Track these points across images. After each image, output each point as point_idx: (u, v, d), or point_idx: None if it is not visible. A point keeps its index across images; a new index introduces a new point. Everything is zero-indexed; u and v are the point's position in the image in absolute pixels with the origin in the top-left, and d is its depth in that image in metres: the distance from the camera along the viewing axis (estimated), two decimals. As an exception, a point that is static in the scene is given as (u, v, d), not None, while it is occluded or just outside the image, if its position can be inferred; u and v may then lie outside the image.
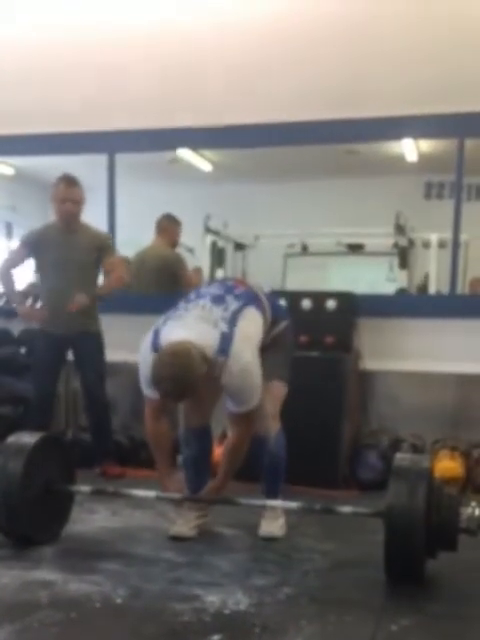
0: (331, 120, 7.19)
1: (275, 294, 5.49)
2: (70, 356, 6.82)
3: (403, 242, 11.98)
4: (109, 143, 7.81)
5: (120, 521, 5.36)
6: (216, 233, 12.17)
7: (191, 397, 4.66)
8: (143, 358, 4.71)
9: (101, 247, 6.64)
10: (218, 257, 12.29)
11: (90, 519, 5.34)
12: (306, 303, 6.82)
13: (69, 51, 7.50)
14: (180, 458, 5.30)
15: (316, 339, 6.67)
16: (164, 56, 7.36)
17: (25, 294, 7.97)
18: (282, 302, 5.85)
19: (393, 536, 4.04)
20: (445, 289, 8.01)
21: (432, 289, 11.25)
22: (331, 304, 6.80)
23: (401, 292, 11.14)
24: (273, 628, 3.60)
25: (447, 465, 6.29)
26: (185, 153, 10.78)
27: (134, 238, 8.56)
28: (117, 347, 6.86)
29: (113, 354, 6.83)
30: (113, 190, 7.96)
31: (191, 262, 10.10)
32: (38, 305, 6.94)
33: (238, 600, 3.90)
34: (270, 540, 4.97)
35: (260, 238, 12.05)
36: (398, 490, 4.11)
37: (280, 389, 5.03)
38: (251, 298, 4.86)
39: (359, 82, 7.09)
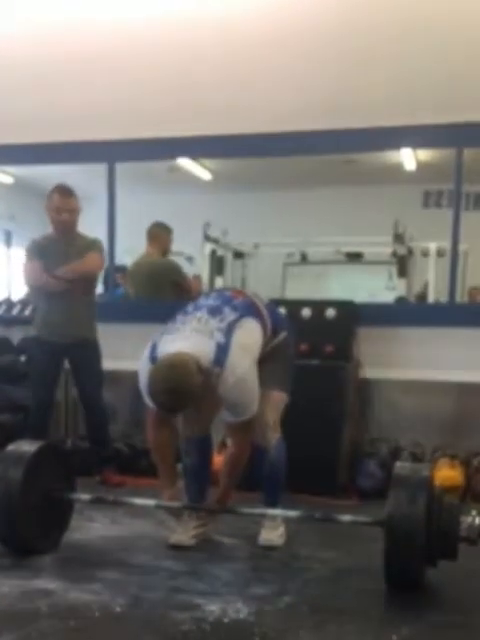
0: (330, 130, 7.21)
1: (274, 303, 5.47)
2: (67, 365, 6.82)
3: (402, 251, 11.96)
4: (108, 152, 7.81)
5: (120, 530, 5.35)
6: (215, 241, 12.15)
7: (188, 408, 4.64)
8: (142, 370, 4.71)
9: (88, 247, 6.64)
10: (217, 265, 12.28)
11: (90, 527, 5.34)
12: (306, 312, 6.82)
13: (69, 60, 7.49)
14: (180, 466, 5.29)
15: (316, 348, 6.67)
16: (164, 66, 7.37)
17: (24, 303, 8.00)
18: (282, 311, 5.85)
19: (393, 545, 4.03)
20: (444, 298, 8.02)
21: (431, 298, 11.26)
22: (331, 313, 6.81)
23: (400, 300, 11.13)
24: (273, 637, 3.60)
25: (447, 474, 6.28)
26: (184, 162, 10.81)
27: (133, 247, 8.58)
28: (115, 355, 6.86)
29: (112, 362, 6.82)
30: (113, 199, 7.97)
31: (190, 270, 10.10)
32: (36, 313, 6.93)
33: (238, 609, 3.89)
34: (270, 549, 4.96)
35: (259, 247, 12.05)
36: (398, 499, 4.11)
37: (280, 398, 5.02)
38: (249, 309, 4.85)
39: (357, 92, 7.10)
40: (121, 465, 6.88)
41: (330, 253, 12.10)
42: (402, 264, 12.01)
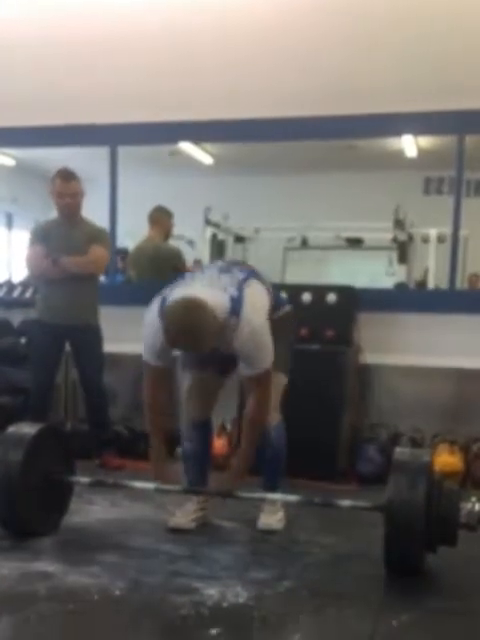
0: (331, 116, 7.18)
1: (275, 288, 5.44)
2: (68, 348, 6.83)
3: (402, 237, 11.99)
4: (111, 135, 7.78)
5: (119, 513, 5.36)
6: (216, 225, 12.16)
7: (200, 352, 4.61)
8: (149, 324, 4.68)
9: (94, 238, 6.64)
10: (218, 249, 12.29)
11: (89, 510, 5.34)
12: (306, 296, 6.81)
13: (71, 43, 7.47)
14: (179, 451, 5.29)
15: (316, 333, 6.66)
16: (167, 50, 7.34)
17: (25, 285, 8.00)
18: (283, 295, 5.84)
19: (393, 530, 4.04)
20: (444, 284, 8.01)
21: (431, 284, 11.26)
22: (331, 298, 6.80)
23: (400, 286, 11.14)
24: (272, 622, 3.60)
25: (446, 459, 6.29)
26: (186, 146, 10.79)
27: (135, 230, 8.57)
28: (116, 338, 6.86)
29: (112, 345, 6.82)
30: (115, 182, 7.94)
31: (191, 254, 10.10)
32: (37, 296, 6.93)
33: (237, 593, 3.89)
34: (269, 533, 4.97)
35: (260, 231, 12.05)
36: (398, 484, 4.11)
37: (280, 380, 5.00)
38: (255, 273, 4.87)
39: (359, 78, 7.07)
40: (121, 448, 6.88)
41: (331, 238, 12.11)
42: (402, 250, 12.04)
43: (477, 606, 3.90)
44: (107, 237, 6.95)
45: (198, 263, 10.55)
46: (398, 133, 8.74)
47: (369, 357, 7.00)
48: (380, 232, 11.92)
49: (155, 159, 11.71)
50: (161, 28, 7.35)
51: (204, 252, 11.94)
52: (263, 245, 12.21)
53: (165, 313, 4.47)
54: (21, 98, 7.59)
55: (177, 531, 4.91)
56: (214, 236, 12.29)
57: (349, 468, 6.57)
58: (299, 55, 7.14)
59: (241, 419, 5.10)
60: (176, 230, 8.51)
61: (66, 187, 6.54)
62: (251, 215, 12.28)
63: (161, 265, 7.82)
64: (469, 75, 6.84)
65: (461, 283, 9.64)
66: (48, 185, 6.68)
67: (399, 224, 11.75)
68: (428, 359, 6.97)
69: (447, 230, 7.59)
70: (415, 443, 6.61)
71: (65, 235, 6.60)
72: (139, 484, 4.92)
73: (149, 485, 4.84)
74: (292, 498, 4.79)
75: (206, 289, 4.57)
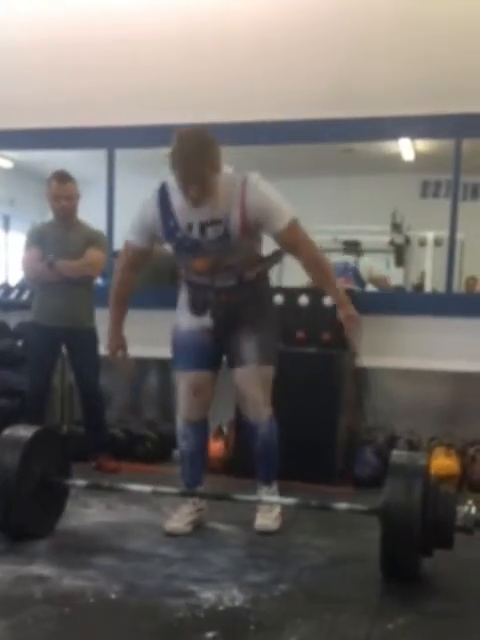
0: (329, 119, 7.19)
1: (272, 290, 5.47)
2: (65, 351, 6.82)
3: (399, 240, 11.97)
4: (108, 138, 7.79)
5: (115, 516, 5.34)
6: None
7: (200, 187, 4.55)
8: (144, 200, 4.85)
9: (91, 242, 6.64)
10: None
11: (85, 513, 5.33)
12: (303, 299, 6.82)
13: (70, 46, 7.48)
14: (176, 452, 5.28)
15: (313, 335, 6.67)
16: (165, 54, 7.35)
17: (21, 287, 8.00)
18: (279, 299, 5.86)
19: (389, 533, 4.02)
20: (441, 287, 8.02)
21: (428, 287, 11.25)
22: (328, 301, 6.79)
23: (396, 289, 11.13)
24: (268, 625, 3.59)
25: (443, 462, 6.28)
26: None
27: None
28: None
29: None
30: (112, 185, 7.95)
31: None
32: (34, 298, 6.92)
33: (233, 596, 3.88)
34: (265, 534, 4.97)
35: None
36: (394, 487, 4.10)
37: (269, 373, 5.02)
38: None
39: (357, 82, 7.09)
40: (117, 451, 6.87)
41: (328, 241, 12.07)
42: (399, 253, 12.02)
43: (473, 609, 3.89)
44: (104, 240, 6.95)
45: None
46: (395, 137, 8.75)
47: (366, 360, 6.99)
48: (377, 235, 11.90)
49: (154, 161, 11.69)
50: (160, 31, 7.37)
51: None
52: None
53: (174, 139, 4.62)
54: (19, 100, 7.61)
55: (173, 535, 4.89)
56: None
57: (346, 471, 6.57)
58: (297, 59, 7.16)
59: (237, 422, 5.14)
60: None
61: (62, 189, 6.54)
62: (248, 218, 12.26)
63: (159, 272, 7.80)
64: (467, 79, 6.86)
65: (458, 286, 9.64)
66: (44, 187, 6.67)
67: (396, 227, 11.75)
68: (425, 362, 6.99)
69: (444, 233, 7.60)
70: (412, 446, 6.60)
71: (61, 238, 6.60)
72: (135, 487, 4.91)
73: (145, 488, 4.83)
74: (288, 501, 4.79)
75: None
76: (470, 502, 4.25)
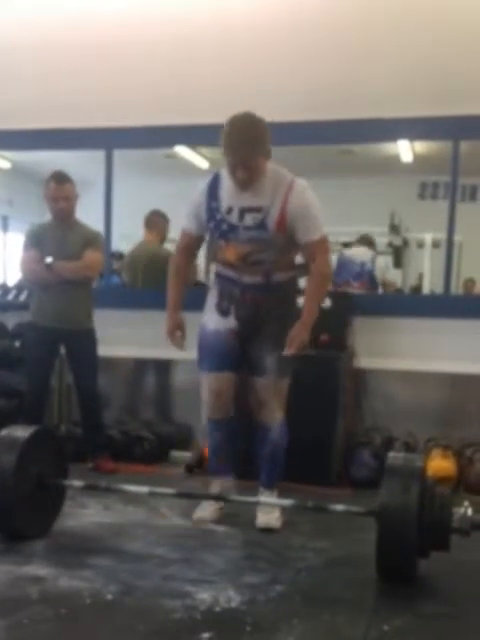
0: (327, 121, 7.21)
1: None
2: (63, 351, 6.82)
3: (397, 242, 12.01)
4: (106, 139, 7.79)
5: (112, 516, 5.34)
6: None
7: (247, 169, 4.74)
8: (200, 189, 5.01)
9: (89, 242, 6.64)
10: (214, 253, 12.26)
11: (82, 514, 5.33)
12: (301, 301, 6.80)
13: (68, 47, 7.48)
14: (173, 454, 5.29)
15: (311, 337, 6.66)
16: (163, 55, 7.35)
17: (19, 288, 8.00)
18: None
19: (385, 535, 4.03)
20: (439, 289, 8.02)
21: (426, 289, 11.26)
22: (326, 302, 6.78)
23: (394, 291, 11.15)
24: (264, 626, 3.59)
25: (440, 464, 6.28)
26: (182, 150, 10.78)
27: (133, 232, 8.57)
28: (110, 342, 6.87)
29: (106, 349, 6.82)
30: (110, 185, 7.95)
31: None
32: (32, 299, 6.92)
33: (230, 598, 3.88)
34: (267, 531, 5.01)
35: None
36: (391, 489, 4.11)
37: (287, 383, 5.17)
38: None
39: (355, 84, 7.09)
40: (114, 452, 6.86)
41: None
42: (397, 255, 12.05)
43: (469, 611, 3.89)
44: (101, 240, 6.95)
45: (194, 266, 10.52)
46: (394, 138, 8.77)
47: (364, 362, 7.01)
48: (375, 237, 11.90)
49: (152, 162, 11.71)
50: (158, 33, 7.37)
51: (200, 256, 11.90)
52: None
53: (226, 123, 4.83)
54: (17, 101, 7.61)
55: (200, 523, 5.05)
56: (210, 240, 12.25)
57: (343, 472, 6.57)
58: (295, 61, 7.15)
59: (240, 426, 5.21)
60: (172, 233, 8.50)
61: (60, 190, 6.53)
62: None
63: (157, 272, 7.81)
64: (465, 81, 6.87)
65: (456, 288, 9.65)
66: (43, 188, 6.67)
67: (394, 229, 11.78)
68: (423, 364, 6.99)
69: (442, 235, 7.61)
70: (409, 448, 6.61)
71: (59, 238, 6.59)
72: (132, 488, 4.91)
73: (142, 489, 4.83)
74: (286, 502, 4.80)
75: None
76: (466, 504, 4.25)
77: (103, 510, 5.46)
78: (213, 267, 5.34)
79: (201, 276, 8.81)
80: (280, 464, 5.22)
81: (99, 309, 6.78)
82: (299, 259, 5.23)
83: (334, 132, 7.39)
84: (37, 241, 6.64)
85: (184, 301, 5.20)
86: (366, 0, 7.05)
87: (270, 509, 5.11)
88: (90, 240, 6.66)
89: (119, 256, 9.38)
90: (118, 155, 7.92)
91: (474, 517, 4.16)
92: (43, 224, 6.89)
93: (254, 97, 7.21)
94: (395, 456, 4.60)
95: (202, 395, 5.23)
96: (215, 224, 4.95)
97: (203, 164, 12.03)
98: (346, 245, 11.75)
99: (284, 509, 5.07)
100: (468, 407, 6.96)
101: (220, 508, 5.16)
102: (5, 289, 8.43)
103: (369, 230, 11.48)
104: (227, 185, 4.90)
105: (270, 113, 7.14)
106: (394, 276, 11.71)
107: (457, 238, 7.73)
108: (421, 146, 10.24)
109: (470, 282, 11.51)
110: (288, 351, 4.96)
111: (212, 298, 5.18)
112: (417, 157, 10.90)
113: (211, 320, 5.14)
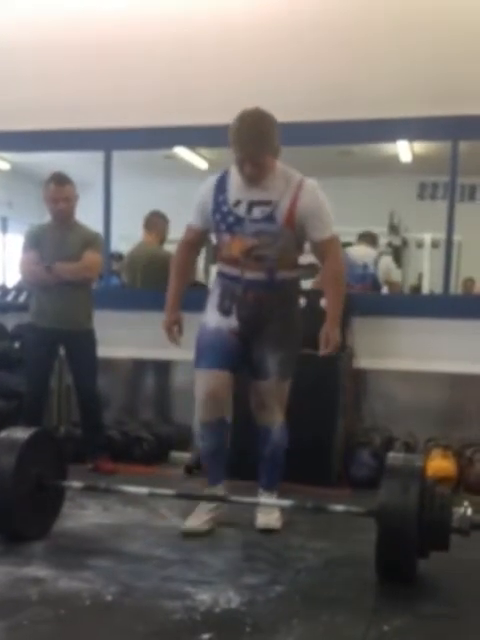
0: (326, 121, 7.20)
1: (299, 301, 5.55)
2: (62, 352, 6.82)
3: (397, 242, 12.01)
4: (105, 140, 7.79)
5: (112, 517, 5.34)
6: (212, 230, 12.12)
7: (255, 165, 4.75)
8: (206, 184, 5.02)
9: (88, 243, 6.64)
10: (213, 254, 12.26)
11: (81, 515, 5.33)
12: (301, 301, 6.80)
13: (67, 48, 7.48)
14: (173, 454, 5.26)
15: (310, 337, 6.64)
16: (162, 56, 7.35)
17: (19, 289, 8.00)
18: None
19: (385, 535, 4.03)
20: (438, 288, 8.02)
21: (425, 289, 11.26)
22: (326, 302, 6.78)
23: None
24: (264, 627, 3.59)
25: (440, 464, 6.28)
26: (181, 151, 10.78)
27: (132, 233, 8.57)
28: (109, 342, 6.87)
29: (106, 350, 6.82)
30: (109, 187, 7.95)
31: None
32: (31, 300, 6.91)
33: (229, 598, 3.88)
34: (268, 532, 5.00)
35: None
36: (391, 489, 4.11)
37: (288, 385, 5.15)
38: None
39: (355, 84, 7.08)
40: (114, 453, 6.86)
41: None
42: (397, 255, 12.03)
43: (469, 611, 3.89)
44: (101, 242, 6.95)
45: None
46: (393, 139, 8.77)
47: (363, 362, 7.02)
48: (375, 237, 11.92)
49: (151, 163, 11.70)
50: (158, 34, 7.36)
51: (200, 257, 11.90)
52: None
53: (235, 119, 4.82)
54: (17, 102, 7.60)
55: (191, 535, 4.91)
56: (209, 241, 12.25)
57: (343, 473, 6.56)
58: (294, 61, 7.15)
59: (239, 426, 5.19)
60: (172, 234, 8.50)
61: (60, 191, 6.53)
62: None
63: (157, 273, 7.81)
64: (463, 81, 6.86)
65: (455, 288, 9.65)
66: (42, 189, 6.67)
67: (394, 229, 11.79)
68: (422, 364, 6.99)
69: (441, 235, 7.60)
70: (409, 448, 6.60)
71: (59, 240, 6.59)
72: (132, 489, 4.91)
73: (142, 490, 4.83)
74: (285, 503, 4.80)
75: None
76: (466, 504, 4.26)
77: (102, 511, 5.46)
78: (214, 268, 5.31)
79: (200, 276, 8.80)
80: (280, 466, 5.20)
81: (98, 310, 6.78)
82: (302, 260, 5.25)
83: (333, 133, 7.39)
84: (36, 242, 6.64)
85: (183, 300, 5.19)
86: (365, 1, 7.04)
87: (270, 510, 5.11)
88: (89, 241, 6.66)
89: (118, 257, 9.38)
90: (117, 156, 7.91)
91: (474, 517, 4.17)
92: (42, 225, 6.89)
93: (253, 98, 7.16)
94: (395, 456, 4.61)
95: (196, 396, 5.13)
96: (221, 216, 4.92)
97: (202, 165, 12.02)
98: (346, 245, 11.78)
99: (283, 509, 5.06)
100: (468, 407, 6.96)
101: (212, 517, 5.05)
102: (4, 290, 8.43)
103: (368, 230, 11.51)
104: (236, 180, 4.88)
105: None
106: (397, 276, 11.73)
107: (456, 238, 7.73)
108: (420, 146, 10.23)
109: (469, 282, 11.49)
110: (323, 351, 5.03)
111: (214, 298, 5.12)
112: (416, 157, 10.89)
113: (212, 319, 5.07)
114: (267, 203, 4.82)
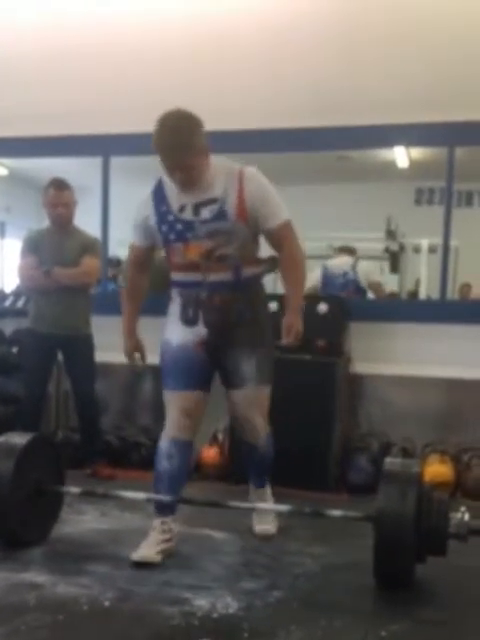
0: (323, 127, 7.20)
1: (268, 298, 5.44)
2: (60, 357, 6.83)
3: (394, 247, 12.02)
4: (103, 146, 7.80)
5: (109, 523, 5.35)
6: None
7: (184, 171, 4.54)
8: (141, 199, 4.86)
9: (86, 249, 6.65)
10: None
11: (79, 520, 5.33)
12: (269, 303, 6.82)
13: (65, 54, 7.48)
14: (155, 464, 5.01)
15: (307, 342, 6.65)
16: (159, 61, 7.35)
17: (16, 294, 8.00)
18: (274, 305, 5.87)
19: (383, 540, 4.03)
20: (435, 294, 8.03)
21: (423, 294, 11.27)
22: (322, 308, 6.80)
23: (391, 296, 11.14)
24: (262, 632, 3.60)
25: (437, 469, 6.29)
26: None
27: (128, 238, 8.56)
28: (108, 348, 6.85)
29: (104, 355, 6.82)
30: (107, 192, 7.96)
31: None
32: (30, 305, 6.92)
33: (227, 604, 3.89)
34: (265, 538, 5.00)
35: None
36: (388, 494, 4.11)
37: (268, 392, 4.85)
38: None
39: (352, 90, 7.09)
40: (112, 458, 6.87)
41: (323, 248, 12.10)
42: (394, 260, 12.05)
43: (467, 616, 3.90)
44: (99, 247, 6.97)
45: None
46: (390, 144, 8.77)
47: (360, 367, 7.02)
48: (372, 242, 11.92)
49: (148, 169, 11.70)
50: (156, 40, 7.36)
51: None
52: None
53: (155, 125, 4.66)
54: (15, 108, 7.60)
55: (142, 565, 4.45)
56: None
57: (340, 478, 6.57)
58: (291, 68, 7.16)
59: (232, 430, 5.14)
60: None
61: (59, 197, 6.55)
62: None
63: (154, 278, 7.80)
64: (460, 87, 6.88)
65: (452, 293, 9.66)
66: (41, 195, 6.68)
67: (391, 234, 11.80)
68: (419, 369, 7.00)
69: (438, 240, 7.62)
70: (406, 453, 6.61)
71: (57, 245, 6.61)
72: (130, 494, 4.91)
73: (140, 495, 4.83)
74: (283, 508, 4.80)
75: None
76: (463, 509, 4.26)
77: (100, 516, 5.46)
78: (172, 276, 4.93)
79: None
80: (269, 466, 5.08)
81: (96, 315, 6.78)
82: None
83: (330, 139, 7.40)
84: (35, 247, 6.65)
85: (153, 306, 5.10)
86: (363, 8, 7.05)
87: (266, 514, 5.10)
88: (88, 246, 6.67)
89: (116, 262, 9.37)
90: (115, 161, 7.93)
91: (471, 522, 4.18)
92: (41, 230, 6.90)
93: (251, 104, 7.25)
94: (392, 461, 4.62)
95: (167, 414, 4.82)
96: (168, 226, 4.67)
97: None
98: (343, 250, 11.80)
99: (280, 515, 5.07)
100: (465, 412, 6.96)
101: (167, 545, 4.63)
102: (3, 295, 8.44)
103: (365, 236, 11.52)
104: (172, 186, 4.68)
105: (267, 120, 7.22)
106: (387, 279, 11.72)
107: (453, 243, 7.75)
108: (417, 152, 10.24)
109: (466, 287, 11.49)
110: (285, 341, 4.69)
111: (174, 309, 4.84)
112: (413, 163, 10.90)
113: (175, 334, 4.79)
114: (213, 201, 4.57)
